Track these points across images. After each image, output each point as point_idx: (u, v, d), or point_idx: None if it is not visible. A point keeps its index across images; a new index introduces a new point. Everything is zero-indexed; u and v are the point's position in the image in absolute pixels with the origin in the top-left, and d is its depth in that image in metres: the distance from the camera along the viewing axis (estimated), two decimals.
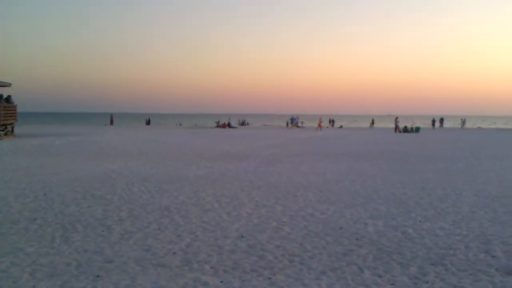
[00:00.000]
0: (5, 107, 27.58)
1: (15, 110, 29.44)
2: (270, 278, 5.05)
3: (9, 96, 29.08)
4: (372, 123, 66.34)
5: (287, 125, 57.66)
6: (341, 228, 7.30)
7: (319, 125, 53.12)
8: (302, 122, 62.31)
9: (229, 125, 54.06)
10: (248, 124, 66.60)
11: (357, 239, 6.65)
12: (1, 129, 27.19)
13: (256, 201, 9.41)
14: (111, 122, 60.25)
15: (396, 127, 47.09)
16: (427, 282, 4.96)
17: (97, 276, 5.08)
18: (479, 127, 68.62)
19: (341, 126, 63.30)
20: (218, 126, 54.17)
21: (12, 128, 29.55)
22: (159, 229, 7.18)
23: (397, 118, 51.47)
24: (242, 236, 6.75)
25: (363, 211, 8.57)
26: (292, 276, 5.13)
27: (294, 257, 5.79)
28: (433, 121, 61.87)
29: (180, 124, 65.54)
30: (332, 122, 66.25)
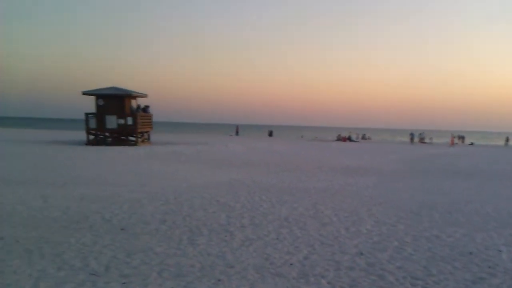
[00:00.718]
0: (142, 116, 30.23)
1: (151, 119, 32.15)
2: None
3: (146, 107, 31.80)
4: (507, 140, 60.41)
5: (411, 140, 55.03)
6: (470, 253, 6.77)
7: (452, 142, 50.52)
8: (430, 138, 59.09)
9: (349, 139, 53.22)
10: (369, 138, 64.85)
11: (489, 267, 6.13)
12: (139, 136, 29.85)
13: (377, 217, 9.13)
14: (237, 133, 62.88)
15: None
16: None
17: (219, 280, 5.33)
18: None
19: (472, 143, 58.63)
20: (338, 139, 53.60)
21: (148, 135, 32.30)
22: (277, 238, 7.31)
23: None
24: (361, 253, 6.59)
25: (496, 236, 7.87)
26: None
27: (417, 281, 5.50)
28: None
29: (302, 137, 66.07)
30: (462, 138, 61.76)
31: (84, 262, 5.84)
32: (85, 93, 29.30)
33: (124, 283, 5.15)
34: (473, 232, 8.09)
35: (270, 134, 66.17)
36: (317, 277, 5.54)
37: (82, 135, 33.04)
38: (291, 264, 6.00)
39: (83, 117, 29.04)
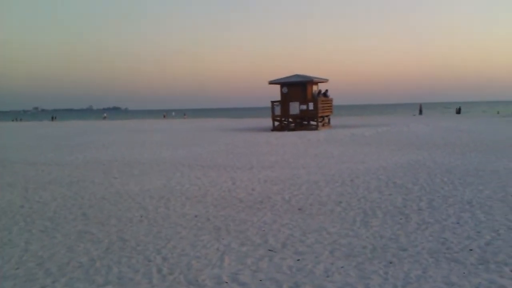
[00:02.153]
0: (322, 100, 30.89)
1: (331, 103, 32.64)
2: None
3: (326, 91, 32.39)
4: None
5: None
6: None
7: None
8: None
9: None
10: None
11: None
12: (320, 120, 30.62)
13: None
14: (420, 112, 59.65)
15: None
16: None
17: (390, 263, 5.36)
18: None
19: None
20: None
21: (329, 119, 32.90)
22: (458, 223, 6.95)
23: None
24: None
25: None
26: None
27: None
28: None
29: (498, 113, 59.33)
30: None
31: (264, 239, 6.44)
32: (271, 83, 31.27)
33: (298, 260, 5.56)
34: None
35: (458, 111, 61.09)
36: (499, 264, 5.16)
37: (268, 121, 35.22)
38: (470, 250, 5.69)
39: (269, 105, 31.09)
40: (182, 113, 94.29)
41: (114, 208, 8.75)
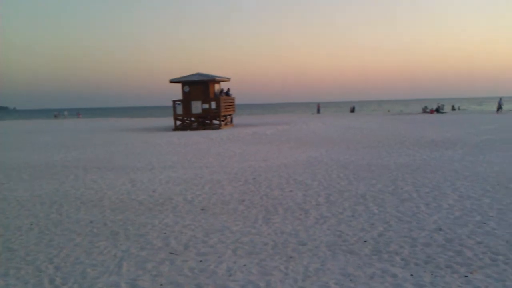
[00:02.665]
0: (225, 99, 30.99)
1: (233, 102, 32.86)
2: (466, 276, 4.71)
3: (228, 90, 32.53)
4: None
5: (498, 109, 51.10)
6: None
7: None
8: None
9: (437, 111, 50.59)
10: (459, 109, 61.22)
11: None
12: (222, 119, 30.68)
13: (460, 192, 8.74)
14: (318, 111, 62.31)
15: None
16: None
17: (290, 257, 5.46)
18: None
19: None
20: (425, 111, 51.19)
21: (231, 118, 33.08)
22: (353, 216, 7.28)
23: None
24: (440, 229, 6.39)
25: None
26: (492, 276, 4.69)
27: (497, 256, 5.26)
28: None
29: (389, 111, 63.87)
30: None
31: (165, 242, 6.24)
32: (173, 81, 30.67)
33: (200, 261, 5.45)
34: None
35: (352, 110, 64.76)
36: (390, 253, 5.48)
37: (170, 121, 34.59)
38: (364, 241, 5.98)
39: (171, 104, 30.51)
40: (76, 112, 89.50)
41: (1, 216, 8.00)
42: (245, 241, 6.12)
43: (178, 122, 30.81)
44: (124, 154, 16.76)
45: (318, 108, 63.88)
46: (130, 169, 12.94)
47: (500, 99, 48.83)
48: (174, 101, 30.24)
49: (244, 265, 5.23)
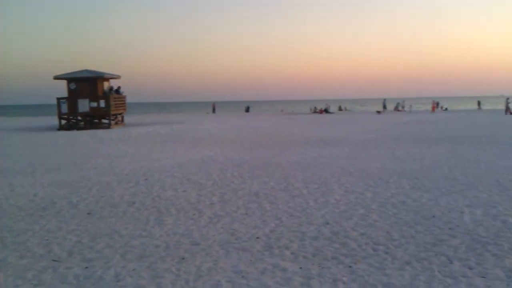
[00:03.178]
0: (115, 97, 29.78)
1: (124, 100, 31.69)
2: (350, 267, 4.94)
3: (118, 88, 31.32)
4: (479, 105, 61.18)
5: (383, 108, 55.45)
6: (433, 216, 6.91)
7: (433, 108, 51.02)
8: (410, 106, 59.34)
9: (326, 111, 53.39)
10: (346, 109, 65.19)
11: (450, 229, 6.26)
12: (112, 118, 29.43)
13: (346, 187, 9.23)
14: (213, 110, 62.52)
15: (507, 109, 42.99)
16: None
17: (182, 258, 5.34)
18: None
19: (446, 109, 59.39)
20: (315, 111, 53.76)
21: (122, 117, 31.87)
22: (246, 213, 7.34)
23: (508, 98, 46.93)
24: (327, 223, 6.67)
25: (461, 199, 8.03)
26: (374, 265, 4.98)
27: (378, 246, 5.60)
28: None
29: (282, 111, 66.04)
30: (436, 104, 62.34)
31: (47, 249, 5.78)
32: (57, 78, 28.70)
33: (86, 267, 5.12)
34: (438, 196, 8.24)
35: (247, 110, 65.99)
36: (281, 248, 5.59)
37: (54, 120, 32.45)
38: (257, 238, 6.04)
39: (55, 102, 28.52)
40: None
41: None
42: (135, 245, 5.87)
43: (64, 122, 29.00)
44: (1, 156, 15.35)
45: (214, 107, 64.15)
46: (8, 172, 11.87)
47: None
48: (58, 98, 28.35)
49: (134, 269, 5.00)
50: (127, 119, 33.80)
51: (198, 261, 5.22)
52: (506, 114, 41.55)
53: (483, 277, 4.58)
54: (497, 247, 5.43)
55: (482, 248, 5.44)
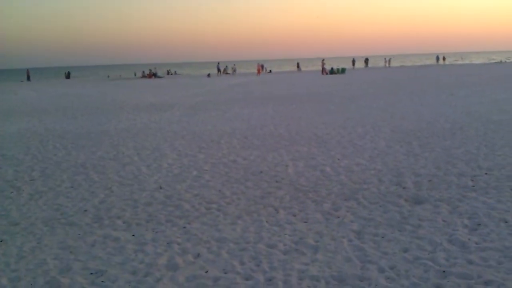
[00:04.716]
0: None
1: None
2: (184, 227, 4.96)
3: None
4: (298, 66, 65.93)
5: (217, 72, 56.62)
6: (261, 172, 7.30)
7: (259, 71, 52.76)
8: (233, 69, 60.90)
9: (155, 75, 52.41)
10: (175, 73, 64.85)
11: (276, 182, 6.69)
12: None
13: (179, 151, 9.21)
14: (28, 78, 56.38)
15: (323, 69, 47.52)
16: (338, 217, 5.09)
17: (1, 241, 4.77)
18: (402, 65, 70.69)
19: (270, 71, 63.08)
20: (143, 76, 52.42)
21: None
22: (72, 187, 6.85)
23: (323, 60, 51.85)
24: (160, 188, 6.58)
25: (285, 153, 8.63)
26: (207, 223, 5.08)
27: (211, 205, 5.73)
28: (353, 61, 63.11)
29: (108, 77, 62.62)
30: (261, 67, 65.69)
31: None
32: None
33: None
34: (265, 153, 8.73)
35: (67, 76, 61.25)
36: (112, 218, 5.35)
37: None
38: (85, 211, 5.68)
39: None
40: None
41: None
42: None
43: None
44: None
45: (28, 74, 57.71)
46: None
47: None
48: None
49: None
50: None
51: (19, 242, 4.72)
52: (322, 74, 45.78)
53: (305, 222, 5.01)
54: (317, 194, 5.99)
55: (304, 196, 5.93)
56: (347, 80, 33.22)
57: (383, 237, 4.49)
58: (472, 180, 6.29)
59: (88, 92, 27.58)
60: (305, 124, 12.11)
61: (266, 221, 5.06)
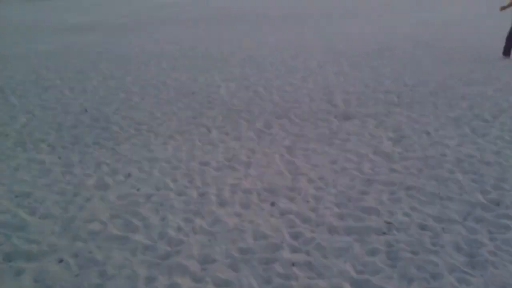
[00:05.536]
0: None
1: None
2: (113, 149, 4.82)
3: None
4: None
5: None
6: (193, 93, 7.16)
7: None
8: None
9: None
10: None
11: (208, 102, 6.60)
12: None
13: (104, 73, 8.78)
14: None
15: None
16: (271, 135, 5.14)
17: None
18: None
19: None
20: None
21: None
22: None
23: None
24: (86, 111, 6.29)
25: (217, 74, 8.47)
26: (137, 144, 4.96)
27: (141, 126, 5.58)
28: None
29: None
30: None
31: None
32: None
33: None
34: (197, 74, 8.52)
35: None
36: (36, 142, 5.09)
37: None
38: (6, 135, 5.35)
39: None
40: None
41: None
42: None
43: None
44: None
45: None
46: None
47: None
48: None
49: None
50: None
51: None
52: None
53: (238, 140, 5.02)
54: (249, 113, 5.98)
55: (237, 115, 5.91)
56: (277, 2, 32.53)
57: (313, 151, 4.61)
58: (398, 97, 6.53)
59: (3, 14, 25.23)
60: (237, 45, 11.86)
61: (199, 140, 5.01)
